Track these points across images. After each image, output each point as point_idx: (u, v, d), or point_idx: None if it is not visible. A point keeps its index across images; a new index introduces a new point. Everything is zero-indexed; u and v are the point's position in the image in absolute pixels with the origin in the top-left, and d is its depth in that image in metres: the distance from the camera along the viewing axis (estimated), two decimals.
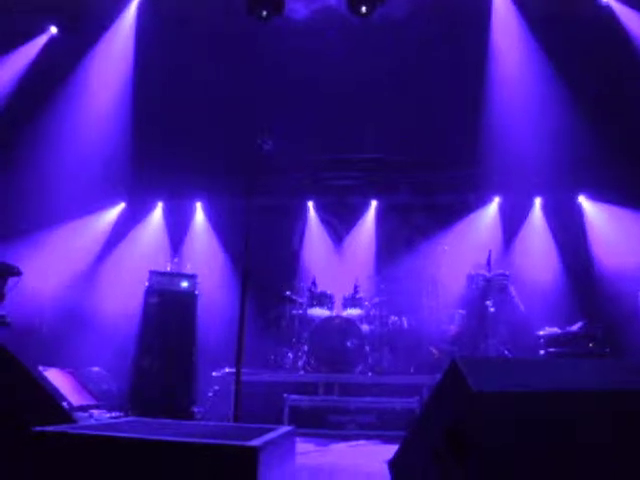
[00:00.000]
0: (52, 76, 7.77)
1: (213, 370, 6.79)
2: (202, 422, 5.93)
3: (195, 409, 6.57)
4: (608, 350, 6.75)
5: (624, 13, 7.22)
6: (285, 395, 6.06)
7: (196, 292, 7.14)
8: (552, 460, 2.14)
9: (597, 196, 8.85)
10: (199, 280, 7.29)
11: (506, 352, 6.82)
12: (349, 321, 7.05)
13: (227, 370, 6.57)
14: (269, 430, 2.77)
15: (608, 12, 7.23)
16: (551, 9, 7.29)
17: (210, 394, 6.55)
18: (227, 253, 8.95)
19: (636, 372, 2.54)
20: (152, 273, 7.00)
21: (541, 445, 2.15)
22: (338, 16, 7.47)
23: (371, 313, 7.39)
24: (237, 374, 4.36)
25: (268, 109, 8.07)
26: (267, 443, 2.36)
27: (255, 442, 2.29)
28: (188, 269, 7.58)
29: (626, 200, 8.28)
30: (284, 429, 2.92)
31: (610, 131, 7.68)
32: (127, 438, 2.40)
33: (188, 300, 7.03)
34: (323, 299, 7.51)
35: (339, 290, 7.70)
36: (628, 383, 2.46)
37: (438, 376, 2.46)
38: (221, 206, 9.44)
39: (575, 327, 6.96)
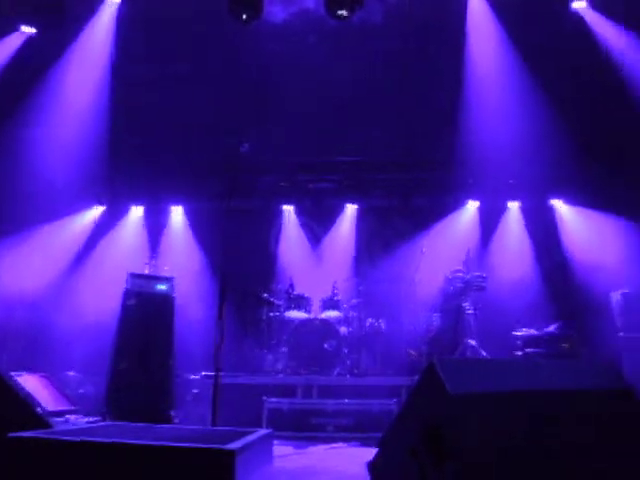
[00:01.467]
0: (28, 76, 7.67)
1: (192, 373, 6.75)
2: (180, 426, 5.89)
3: (173, 413, 6.51)
4: (583, 350, 6.86)
5: (594, 19, 7.36)
6: (264, 398, 6.05)
7: (174, 294, 7.08)
8: (528, 458, 2.18)
9: (571, 199, 9.01)
10: (177, 282, 7.24)
11: (483, 353, 6.88)
12: (327, 323, 7.07)
13: (205, 373, 6.54)
14: (247, 433, 2.77)
15: (579, 18, 7.37)
16: (526, 14, 7.39)
17: (188, 397, 6.50)
18: (205, 256, 8.92)
19: (605, 372, 2.60)
20: (130, 275, 6.93)
21: (517, 444, 2.18)
22: (317, 19, 7.49)
23: (349, 315, 7.41)
24: (215, 377, 4.35)
25: (247, 112, 8.06)
26: (245, 446, 2.36)
27: (233, 445, 2.29)
28: (166, 271, 7.53)
29: (599, 203, 8.45)
30: (262, 432, 2.92)
31: (584, 136, 7.82)
32: (103, 443, 2.38)
33: (166, 302, 6.97)
34: (301, 301, 7.53)
35: (317, 292, 7.71)
36: (596, 383, 2.52)
37: (416, 378, 2.48)
38: (199, 209, 9.40)
39: (551, 328, 7.07)
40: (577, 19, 7.44)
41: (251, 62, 7.91)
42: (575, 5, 7.38)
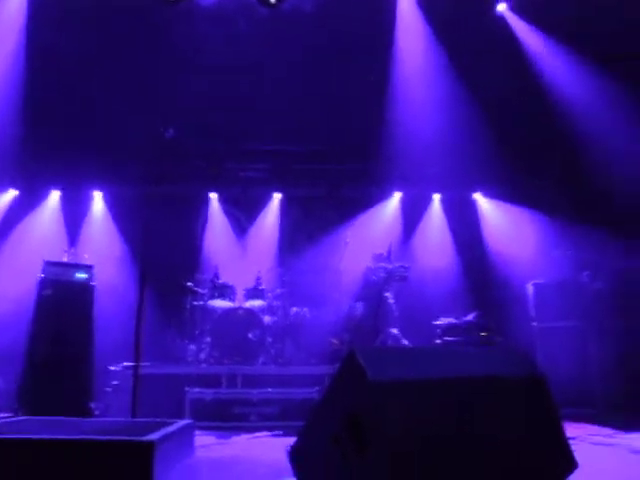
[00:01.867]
0: None
1: (112, 364, 6.57)
2: (99, 419, 5.73)
3: (92, 405, 6.32)
4: (499, 338, 7.17)
5: (516, 23, 7.64)
6: (186, 388, 5.97)
7: (93, 283, 6.85)
8: (448, 444, 2.25)
9: (492, 193, 9.38)
10: (97, 271, 7.00)
11: (405, 341, 7.05)
12: (251, 312, 7.04)
13: (126, 364, 6.38)
14: (167, 424, 2.72)
15: (503, 22, 7.63)
16: (453, 14, 7.56)
17: (109, 389, 6.33)
18: (127, 243, 8.68)
19: (519, 360, 2.72)
20: (46, 264, 6.64)
21: (436, 430, 2.24)
22: (248, 5, 7.38)
23: (273, 304, 7.41)
24: (135, 367, 4.25)
25: (172, 96, 7.86)
26: (164, 437, 2.32)
27: (152, 437, 2.24)
28: (85, 259, 7.26)
29: (517, 198, 8.84)
30: (183, 423, 2.88)
31: (506, 134, 8.13)
32: (13, 439, 2.27)
33: (84, 292, 6.72)
34: (225, 290, 7.44)
35: (241, 281, 7.66)
36: (511, 370, 2.63)
37: (339, 366, 2.51)
38: (121, 194, 9.11)
39: (469, 317, 7.33)
40: (502, 22, 7.69)
41: (179, 42, 7.69)
42: (500, 8, 7.63)
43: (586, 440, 4.59)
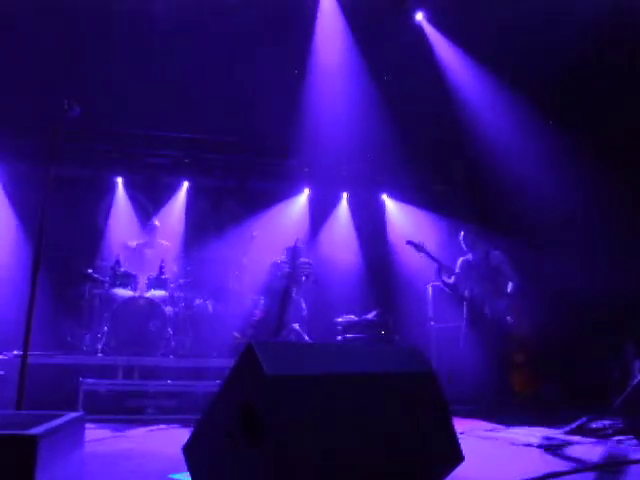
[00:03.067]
0: None
1: (1, 353, 6.22)
2: None
3: None
4: (396, 337, 7.42)
5: (432, 33, 7.90)
6: (80, 379, 5.74)
7: None
8: (341, 437, 2.30)
9: (398, 195, 9.66)
10: None
11: (306, 337, 7.13)
12: (152, 302, 6.86)
13: (16, 352, 6.05)
14: (54, 417, 2.60)
15: (420, 30, 7.87)
16: (373, 18, 7.71)
17: None
18: (22, 224, 8.22)
19: (412, 357, 2.83)
20: None
21: (331, 424, 2.28)
22: None
23: (175, 295, 7.27)
24: (23, 356, 4.04)
25: (80, 72, 7.52)
26: (50, 431, 2.21)
27: (35, 430, 2.13)
28: None
29: (421, 202, 9.17)
30: (72, 415, 2.75)
31: (414, 139, 8.40)
32: None
33: None
34: (127, 279, 7.22)
35: (144, 270, 7.46)
36: (405, 366, 2.74)
37: (236, 360, 2.51)
38: (18, 172, 8.60)
39: (370, 315, 7.53)
40: (419, 31, 7.92)
41: (91, 19, 7.34)
42: (418, 17, 7.85)
43: (473, 434, 4.83)
